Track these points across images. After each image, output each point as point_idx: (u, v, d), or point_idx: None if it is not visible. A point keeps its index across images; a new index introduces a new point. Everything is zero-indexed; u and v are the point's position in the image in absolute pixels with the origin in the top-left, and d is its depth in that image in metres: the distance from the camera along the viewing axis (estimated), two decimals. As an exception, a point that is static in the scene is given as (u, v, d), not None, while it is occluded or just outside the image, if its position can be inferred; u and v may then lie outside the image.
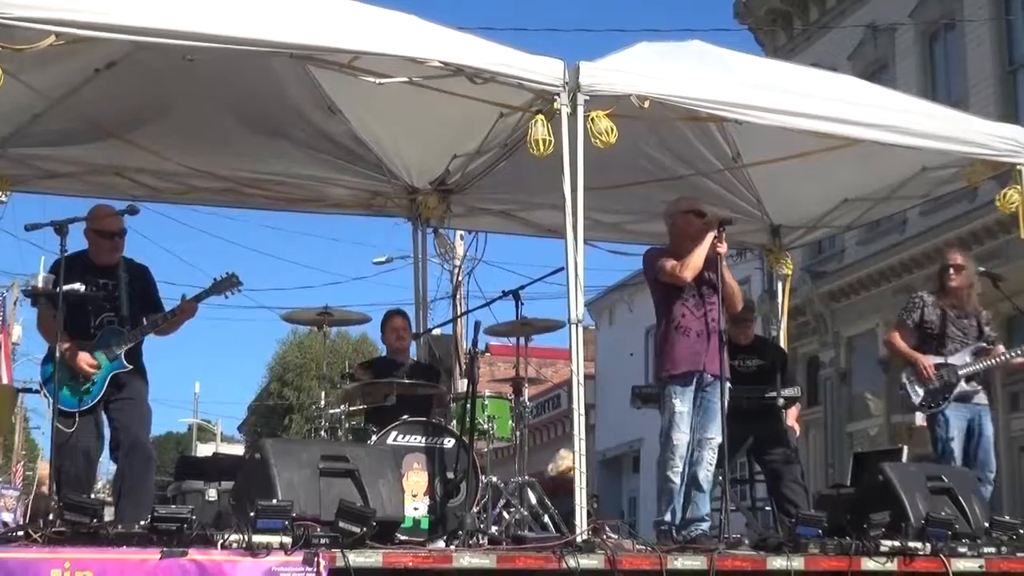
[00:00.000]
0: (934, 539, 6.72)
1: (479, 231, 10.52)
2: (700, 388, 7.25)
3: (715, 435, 7.15)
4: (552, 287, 8.42)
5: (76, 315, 6.82)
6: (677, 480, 7.13)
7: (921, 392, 8.21)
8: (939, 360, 8.20)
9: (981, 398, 8.27)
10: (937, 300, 8.35)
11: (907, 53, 19.47)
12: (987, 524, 7.17)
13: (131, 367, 6.95)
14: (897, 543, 6.65)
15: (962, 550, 6.81)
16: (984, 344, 8.27)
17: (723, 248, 7.27)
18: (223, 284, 7.18)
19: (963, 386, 8.14)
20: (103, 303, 6.98)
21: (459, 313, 14.86)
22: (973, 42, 18.05)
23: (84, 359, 6.82)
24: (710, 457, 7.14)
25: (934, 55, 19.37)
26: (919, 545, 6.69)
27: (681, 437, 7.17)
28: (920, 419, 8.85)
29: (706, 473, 7.13)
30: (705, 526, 7.05)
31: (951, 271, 8.31)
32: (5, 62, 5.70)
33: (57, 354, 6.43)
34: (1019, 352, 8.36)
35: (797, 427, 9.02)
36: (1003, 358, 8.28)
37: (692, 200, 7.77)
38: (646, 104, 6.82)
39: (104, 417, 6.93)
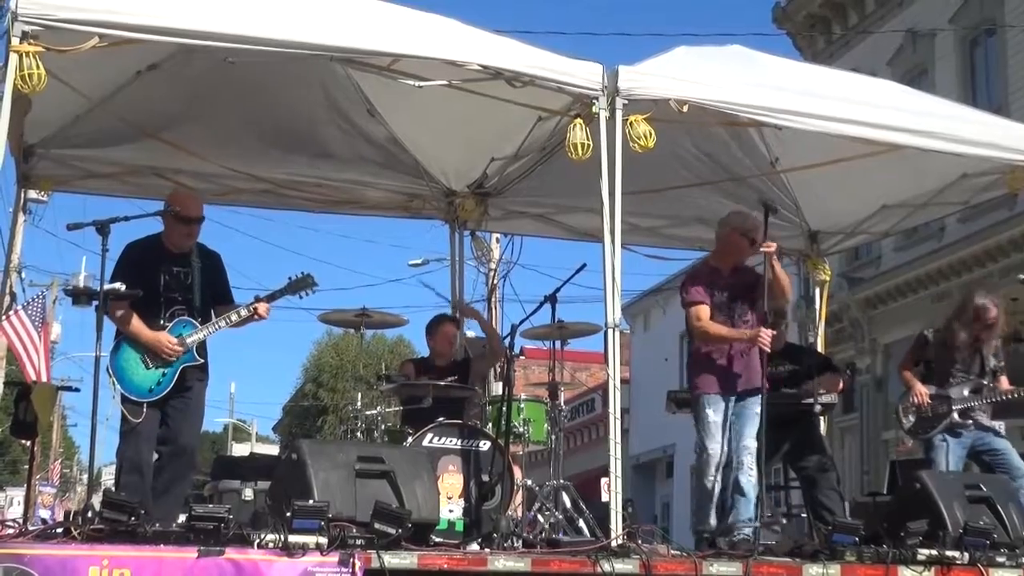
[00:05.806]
0: (972, 548, 6.66)
1: (515, 234, 10.50)
2: (736, 399, 7.28)
3: (752, 441, 7.13)
4: (586, 290, 8.41)
5: (146, 307, 6.69)
6: (712, 489, 7.18)
7: (912, 419, 8.30)
8: (938, 391, 8.22)
9: (983, 423, 8.20)
10: (943, 336, 8.32)
11: (947, 58, 19.32)
12: (1026, 533, 7.10)
13: (202, 361, 6.83)
14: (934, 552, 6.60)
15: (1000, 559, 6.73)
16: (984, 381, 8.24)
17: (771, 248, 7.29)
18: (298, 284, 7.00)
19: (955, 418, 8.15)
20: (174, 295, 6.82)
21: (495, 318, 14.84)
22: (1014, 48, 17.90)
23: (167, 338, 6.66)
24: (750, 462, 7.12)
25: (974, 60, 19.21)
26: (957, 554, 6.63)
27: (715, 447, 7.23)
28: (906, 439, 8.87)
29: (747, 478, 7.11)
30: (749, 531, 7.02)
31: (988, 323, 8.19)
32: (48, 63, 5.75)
33: (96, 352, 6.41)
34: (1018, 393, 8.30)
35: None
36: (1001, 397, 8.22)
37: (750, 225, 7.58)
38: (685, 108, 6.81)
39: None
